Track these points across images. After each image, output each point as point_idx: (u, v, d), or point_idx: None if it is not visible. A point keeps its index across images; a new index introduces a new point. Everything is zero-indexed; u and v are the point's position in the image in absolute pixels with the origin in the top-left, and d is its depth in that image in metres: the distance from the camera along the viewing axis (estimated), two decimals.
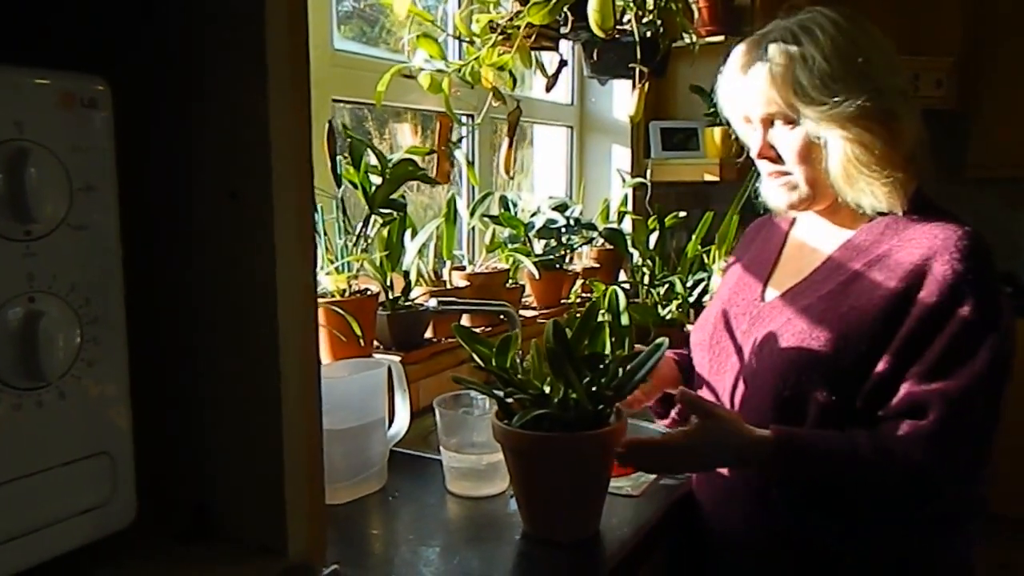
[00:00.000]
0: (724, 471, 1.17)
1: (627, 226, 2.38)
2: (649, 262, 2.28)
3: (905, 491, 1.03)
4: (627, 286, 2.38)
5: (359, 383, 1.27)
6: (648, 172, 2.62)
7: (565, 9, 1.53)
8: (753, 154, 1.19)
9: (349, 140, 1.52)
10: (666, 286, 2.18)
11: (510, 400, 1.12)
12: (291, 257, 0.51)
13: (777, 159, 1.16)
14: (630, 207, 2.55)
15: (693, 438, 1.07)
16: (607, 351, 1.12)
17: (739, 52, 1.19)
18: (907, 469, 1.00)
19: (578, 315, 2.05)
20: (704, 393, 1.25)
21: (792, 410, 1.09)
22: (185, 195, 0.52)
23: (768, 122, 1.16)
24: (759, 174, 1.23)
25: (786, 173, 1.17)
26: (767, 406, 1.11)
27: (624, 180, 2.58)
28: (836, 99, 1.08)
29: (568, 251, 2.23)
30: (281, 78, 0.49)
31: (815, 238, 1.24)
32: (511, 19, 1.49)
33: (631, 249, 2.32)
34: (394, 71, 1.54)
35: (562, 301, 2.23)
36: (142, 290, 0.51)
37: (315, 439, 0.54)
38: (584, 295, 2.34)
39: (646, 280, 2.26)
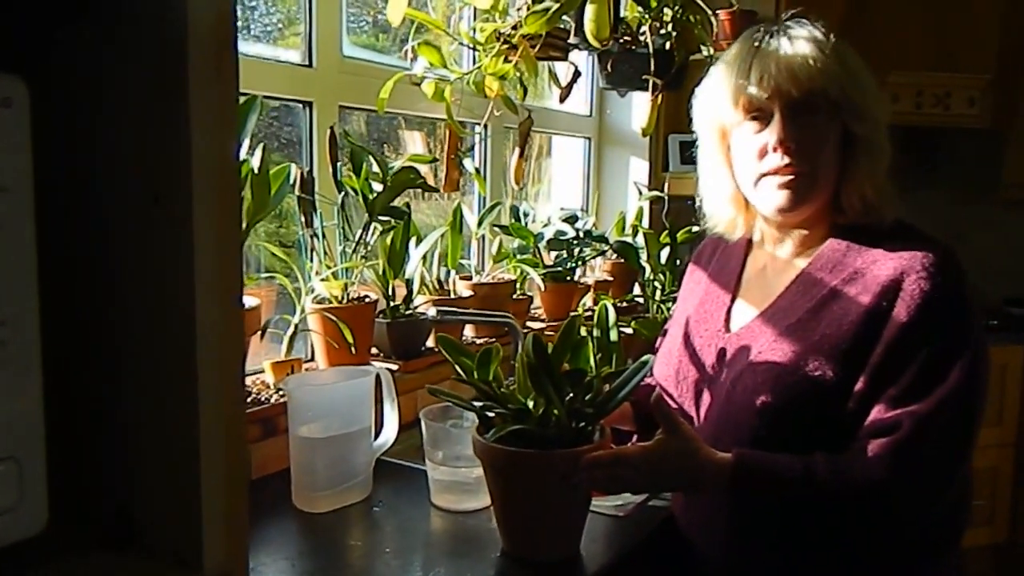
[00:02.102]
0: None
1: (641, 240, 2.35)
2: (661, 276, 2.24)
3: (863, 511, 0.99)
4: (640, 300, 2.36)
5: (345, 391, 1.26)
6: (665, 185, 2.58)
7: (568, 19, 1.51)
8: (772, 142, 1.06)
9: (351, 147, 1.51)
10: (676, 301, 2.14)
11: (491, 414, 1.11)
12: (212, 262, 0.49)
13: (793, 151, 1.05)
14: (646, 220, 2.52)
15: (651, 453, 1.02)
16: (591, 367, 1.10)
17: (765, 35, 1.09)
18: (865, 487, 0.97)
19: (584, 327, 2.03)
20: None
21: (770, 445, 1.04)
22: (105, 198, 0.51)
23: (797, 107, 1.05)
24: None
25: (796, 171, 1.06)
26: (744, 442, 1.06)
27: (641, 193, 2.55)
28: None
29: (579, 263, 2.21)
30: (203, 80, 0.48)
31: (778, 259, 1.18)
32: (514, 28, 1.47)
33: (644, 263, 2.29)
34: (396, 78, 1.53)
35: (571, 314, 2.20)
36: (58, 293, 0.50)
37: (238, 447, 0.53)
38: (593, 308, 2.31)
39: (657, 295, 2.23)
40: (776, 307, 1.13)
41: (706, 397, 1.16)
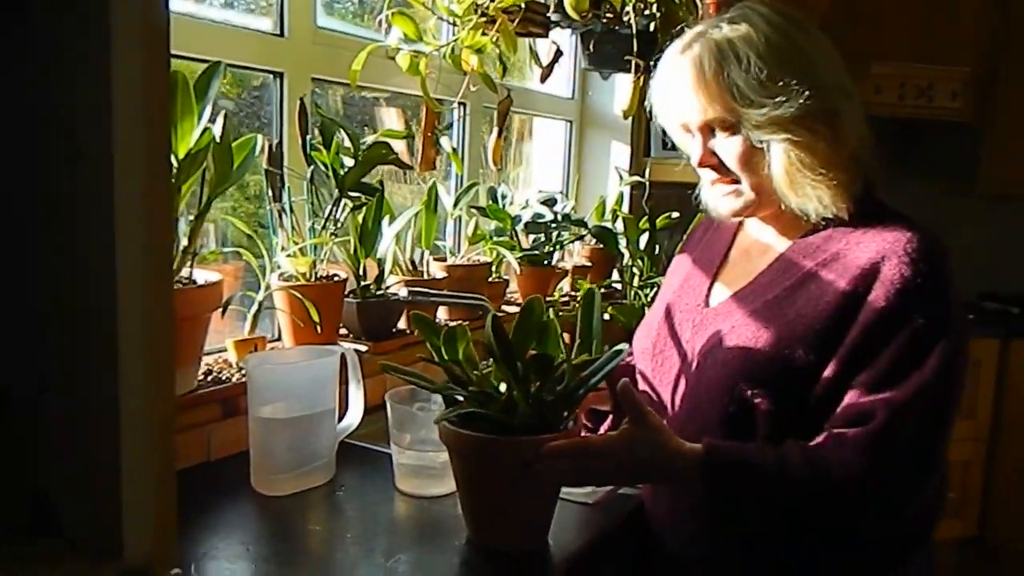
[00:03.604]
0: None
1: (620, 225, 2.32)
2: (639, 262, 2.21)
3: (838, 503, 0.96)
4: (618, 286, 2.33)
5: (307, 371, 1.22)
6: (647, 171, 2.55)
7: None
8: (694, 163, 1.11)
9: (320, 119, 1.46)
10: (655, 288, 2.11)
11: (460, 398, 1.07)
12: (136, 232, 0.45)
13: (720, 167, 1.09)
14: (626, 206, 2.49)
15: (615, 444, 0.99)
16: (560, 352, 1.06)
17: (669, 58, 1.11)
18: (841, 479, 0.94)
19: (561, 312, 1.99)
20: (650, 403, 1.18)
21: (739, 423, 1.02)
22: (27, 153, 0.47)
23: (707, 129, 1.08)
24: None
25: (731, 181, 1.10)
26: (713, 419, 1.04)
27: (622, 178, 2.51)
28: (776, 100, 1.02)
29: (557, 247, 2.17)
30: (128, 38, 0.43)
31: (763, 240, 1.17)
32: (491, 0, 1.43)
33: (622, 249, 2.26)
34: (370, 49, 1.48)
35: (547, 298, 2.17)
36: None
37: (164, 434, 0.48)
38: (571, 293, 2.28)
39: (635, 281, 2.20)
40: (754, 285, 1.11)
41: (680, 371, 1.13)
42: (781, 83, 1.02)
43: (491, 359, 1.04)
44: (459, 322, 1.86)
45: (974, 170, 3.14)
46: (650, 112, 1.17)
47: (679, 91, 1.08)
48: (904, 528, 1.02)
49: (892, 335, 0.96)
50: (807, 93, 1.02)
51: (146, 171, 0.46)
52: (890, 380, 0.95)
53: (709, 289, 1.19)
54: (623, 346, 1.06)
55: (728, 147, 1.07)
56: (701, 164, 1.10)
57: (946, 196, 3.15)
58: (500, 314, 1.97)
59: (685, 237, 1.41)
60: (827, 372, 0.98)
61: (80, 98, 0.45)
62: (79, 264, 0.46)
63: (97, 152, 0.44)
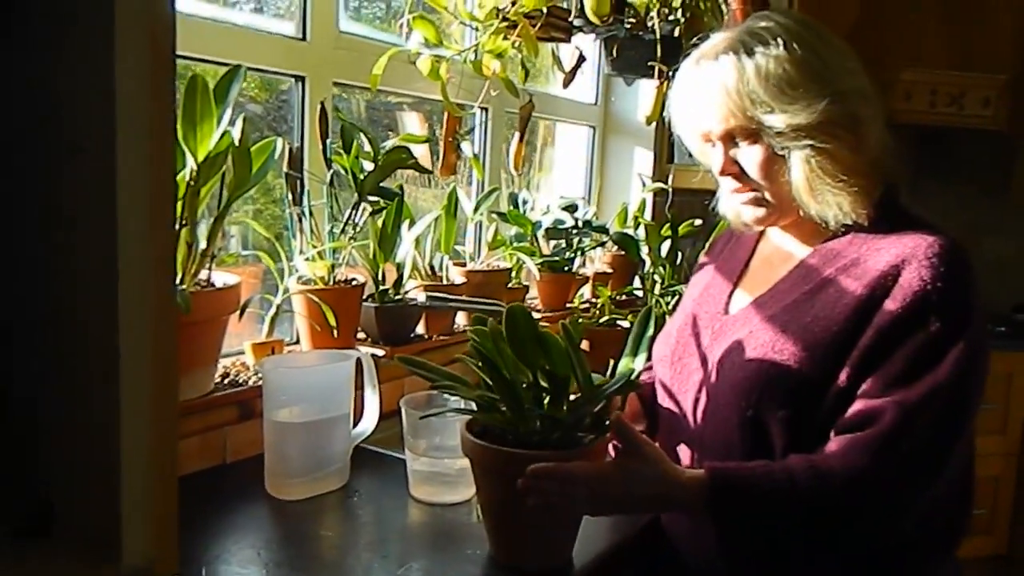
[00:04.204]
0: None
1: (642, 232, 2.30)
2: (660, 270, 2.19)
3: (844, 506, 0.93)
4: (639, 293, 2.30)
5: (323, 375, 1.21)
6: (670, 178, 2.53)
7: None
8: (715, 172, 1.11)
9: (341, 123, 1.46)
10: (676, 296, 2.08)
11: (471, 404, 1.05)
12: (139, 231, 0.44)
13: (741, 175, 1.08)
14: (649, 213, 2.46)
15: (602, 476, 0.96)
16: (570, 369, 1.03)
17: (688, 68, 1.10)
18: (846, 482, 0.91)
19: (580, 319, 1.97)
20: (668, 411, 1.16)
21: (757, 429, 1.00)
22: (27, 153, 0.46)
23: (729, 138, 1.07)
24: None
25: (752, 189, 1.09)
26: (732, 426, 1.02)
27: (644, 184, 2.49)
28: (796, 106, 1.01)
29: (578, 253, 2.16)
30: (132, 38, 0.43)
31: (784, 247, 1.16)
32: (512, 3, 1.42)
33: (643, 256, 2.24)
34: (391, 53, 1.48)
35: (567, 305, 2.15)
36: None
37: (166, 436, 0.48)
38: (591, 300, 2.26)
39: (656, 289, 2.17)
40: (774, 291, 1.10)
41: (698, 377, 1.12)
42: (802, 90, 1.01)
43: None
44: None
45: (1008, 179, 3.07)
46: (669, 122, 1.16)
47: (699, 100, 1.08)
48: (927, 537, 0.99)
49: (906, 338, 0.94)
50: (828, 99, 1.00)
51: (149, 169, 0.45)
52: (901, 381, 0.93)
53: (729, 297, 1.17)
54: (635, 368, 1.05)
55: (749, 155, 1.06)
56: (723, 173, 1.09)
57: (979, 206, 3.09)
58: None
59: (708, 246, 1.39)
60: (841, 376, 0.96)
61: (82, 97, 0.44)
62: (80, 265, 0.45)
63: (99, 152, 0.43)
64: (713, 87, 1.05)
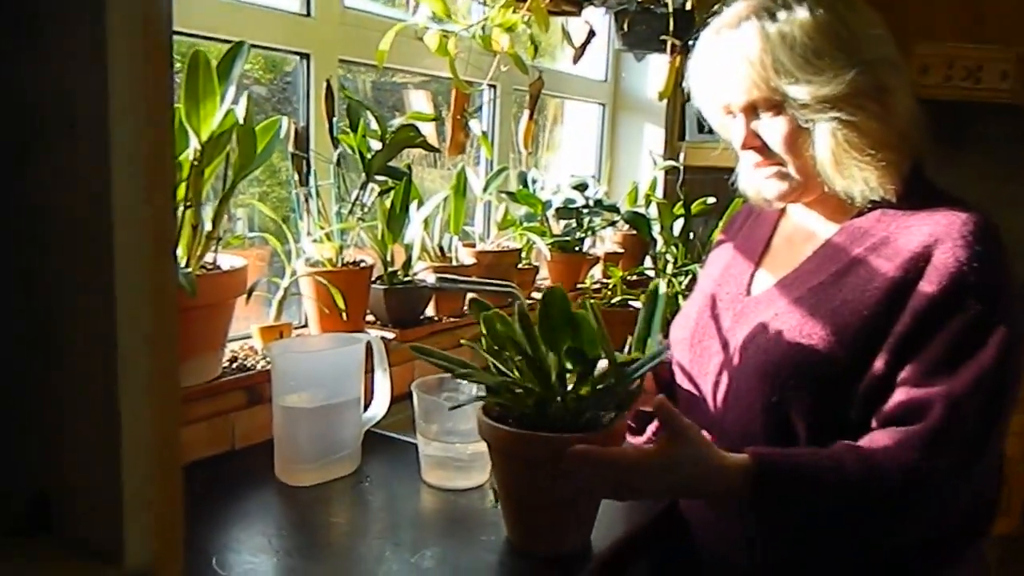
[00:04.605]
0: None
1: (653, 211, 2.26)
2: (673, 249, 2.16)
3: (896, 505, 0.90)
4: (651, 273, 2.27)
5: (332, 359, 1.19)
6: (681, 155, 2.49)
7: None
8: (736, 146, 1.06)
9: (347, 102, 1.43)
10: (688, 276, 2.05)
11: (488, 388, 1.02)
12: (133, 203, 0.41)
13: (764, 149, 1.04)
14: (660, 191, 2.43)
15: (652, 459, 0.92)
16: (596, 349, 1.00)
17: (709, 37, 1.06)
18: (900, 481, 0.88)
19: (592, 300, 1.95)
20: (687, 395, 1.13)
21: (781, 417, 0.97)
22: (17, 136, 0.43)
23: (751, 110, 1.03)
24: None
25: (775, 163, 1.04)
26: (754, 413, 0.99)
27: (655, 162, 2.45)
28: (823, 77, 0.97)
29: (588, 233, 2.12)
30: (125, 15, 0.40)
31: (808, 226, 1.11)
32: None
33: (656, 235, 2.20)
34: (398, 28, 1.44)
35: (578, 286, 2.12)
36: None
37: (169, 428, 0.45)
38: (602, 280, 2.23)
39: (668, 269, 2.14)
40: (799, 272, 1.06)
41: (720, 361, 1.08)
42: (828, 59, 0.97)
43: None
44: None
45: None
46: (687, 94, 1.12)
47: (721, 71, 1.04)
48: (957, 524, 0.96)
49: (945, 322, 0.90)
50: (855, 69, 0.96)
51: (144, 145, 0.42)
52: (945, 370, 0.89)
53: (751, 277, 1.13)
54: (664, 346, 1.02)
55: (773, 128, 1.02)
56: (744, 146, 1.05)
57: (996, 181, 3.04)
58: (530, 301, 1.94)
59: (724, 224, 1.35)
60: (877, 363, 0.93)
61: (72, 74, 0.42)
62: (72, 249, 0.43)
63: (90, 129, 0.41)
64: (735, 57, 1.00)
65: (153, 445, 0.44)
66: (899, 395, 0.91)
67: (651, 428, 1.20)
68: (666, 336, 1.20)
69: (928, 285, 0.92)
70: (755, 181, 1.09)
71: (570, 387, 0.97)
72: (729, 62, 1.02)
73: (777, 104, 1.00)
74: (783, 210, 1.18)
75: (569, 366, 0.96)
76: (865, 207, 1.02)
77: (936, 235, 0.94)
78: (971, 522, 0.97)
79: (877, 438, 0.91)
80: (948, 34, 2.81)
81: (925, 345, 0.91)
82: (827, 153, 0.99)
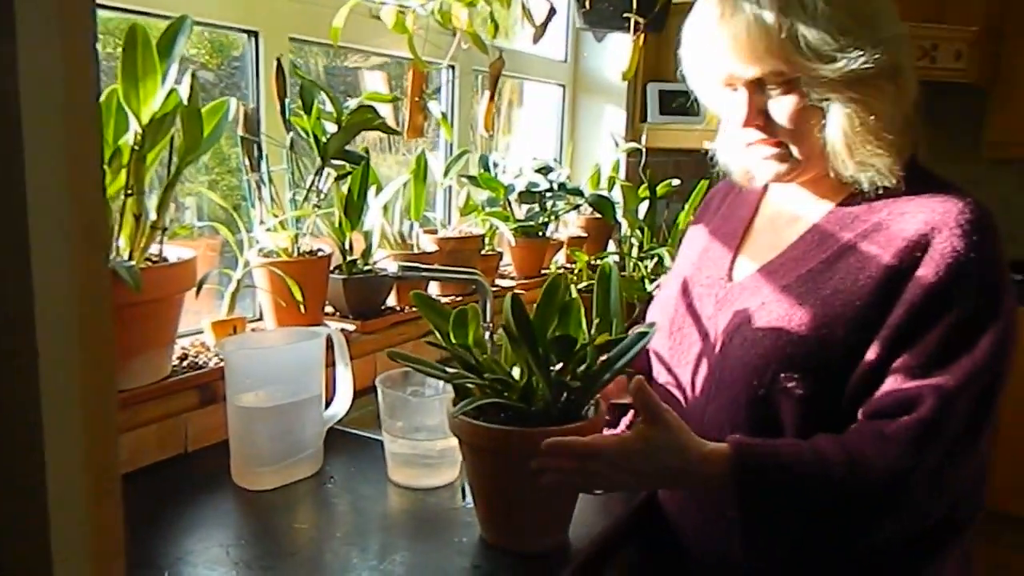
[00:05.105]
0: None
1: (617, 194, 2.22)
2: (638, 232, 2.12)
3: (880, 499, 0.87)
4: (616, 258, 2.23)
5: (290, 355, 1.12)
6: (643, 137, 2.45)
7: None
8: (735, 123, 0.97)
9: (300, 82, 1.35)
10: (655, 259, 2.02)
11: (470, 385, 0.97)
12: (57, 197, 0.35)
13: (766, 127, 0.96)
14: (622, 174, 2.39)
15: (629, 447, 0.88)
16: (583, 333, 0.96)
17: (714, 2, 0.95)
18: (884, 475, 0.85)
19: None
20: (665, 383, 1.09)
21: (767, 409, 0.93)
22: None
23: (757, 84, 0.94)
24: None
25: (776, 143, 0.97)
26: (739, 404, 0.95)
27: (617, 144, 2.41)
28: (846, 55, 0.90)
29: (552, 218, 2.07)
30: None
31: (793, 207, 1.06)
32: None
33: (620, 218, 2.16)
34: (352, 4, 1.37)
35: (543, 271, 2.07)
36: None
37: (104, 437, 0.39)
38: (567, 266, 2.19)
39: (634, 252, 2.11)
40: (785, 257, 1.01)
41: (701, 349, 1.03)
42: (852, 36, 0.90)
43: (502, 342, 0.95)
44: (452, 298, 1.77)
45: (978, 133, 3.05)
46: (677, 62, 1.03)
47: (729, 38, 0.93)
48: (941, 519, 0.94)
49: (942, 314, 0.87)
50: (879, 47, 0.90)
51: (64, 121, 0.36)
52: (938, 363, 0.86)
53: (732, 261, 1.08)
54: (648, 327, 0.98)
55: (781, 105, 0.94)
56: (747, 124, 0.96)
57: (950, 161, 3.06)
58: (495, 288, 1.88)
59: (698, 204, 1.29)
60: (869, 355, 0.89)
61: None
62: None
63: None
64: (748, 26, 0.91)
65: (86, 455, 0.38)
66: (889, 387, 0.88)
67: (626, 419, 1.15)
68: (642, 319, 1.15)
69: (924, 276, 0.88)
70: (747, 160, 1.02)
71: (554, 376, 0.92)
72: (740, 29, 0.92)
73: (789, 80, 0.93)
74: (764, 188, 1.12)
75: (553, 355, 0.91)
76: (872, 192, 0.96)
77: (932, 223, 0.90)
78: (955, 517, 0.94)
79: (864, 430, 0.88)
80: (905, 13, 2.82)
81: (919, 337, 0.87)
82: (840, 136, 0.93)
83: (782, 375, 0.92)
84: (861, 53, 0.90)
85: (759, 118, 0.96)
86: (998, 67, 2.94)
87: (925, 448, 0.85)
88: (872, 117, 0.92)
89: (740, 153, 1.03)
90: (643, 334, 0.96)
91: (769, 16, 0.90)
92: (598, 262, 2.15)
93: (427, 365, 0.99)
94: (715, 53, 0.96)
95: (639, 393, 0.88)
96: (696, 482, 0.91)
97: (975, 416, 0.87)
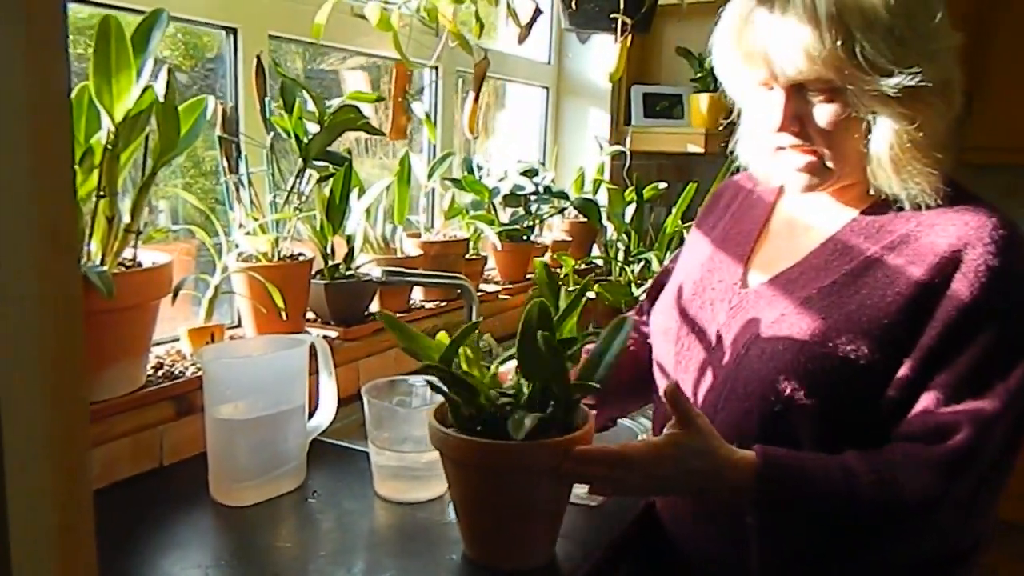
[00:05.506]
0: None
1: (602, 197, 2.19)
2: (624, 236, 2.10)
3: (907, 523, 0.84)
4: (600, 262, 2.20)
5: (272, 364, 1.07)
6: (628, 140, 2.42)
7: None
8: (769, 127, 0.92)
9: (281, 80, 1.30)
10: (641, 263, 2.00)
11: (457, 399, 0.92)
12: (23, 205, 0.31)
13: (801, 133, 0.91)
14: (607, 177, 2.36)
15: (661, 453, 0.86)
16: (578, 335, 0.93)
17: None
18: (915, 498, 0.82)
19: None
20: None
21: (782, 426, 0.90)
22: None
23: (797, 88, 0.89)
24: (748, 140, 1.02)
25: (810, 151, 0.92)
26: (751, 419, 0.92)
27: (602, 147, 2.39)
28: (903, 70, 0.84)
29: (536, 221, 2.04)
30: None
31: (812, 212, 1.02)
32: None
33: (605, 222, 2.13)
34: (335, 1, 1.32)
35: (527, 276, 2.04)
36: None
37: (73, 455, 0.35)
38: (553, 271, 2.15)
39: (620, 256, 2.08)
40: (807, 265, 0.97)
41: (711, 358, 1.00)
42: (911, 48, 0.85)
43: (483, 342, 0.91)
44: (437, 303, 1.73)
45: (960, 138, 3.05)
46: (709, 51, 0.97)
47: (775, 35, 0.87)
48: (953, 547, 0.91)
49: (976, 334, 0.83)
50: (937, 60, 0.86)
51: (28, 116, 0.32)
52: (974, 386, 0.83)
53: (746, 266, 1.04)
54: (628, 316, 0.93)
55: (822, 113, 0.89)
56: (781, 129, 0.91)
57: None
58: (480, 293, 1.84)
59: (706, 204, 1.23)
60: (900, 373, 0.85)
61: None
62: None
63: None
64: (799, 23, 0.85)
65: (54, 474, 0.34)
66: (922, 408, 0.85)
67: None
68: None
69: (958, 293, 0.84)
70: (776, 167, 0.97)
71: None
72: (789, 27, 0.86)
73: (835, 88, 0.88)
74: (781, 188, 1.07)
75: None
76: (880, 199, 0.93)
77: (965, 238, 0.86)
78: (978, 537, 0.92)
79: (896, 452, 0.85)
80: None
81: (954, 357, 0.84)
82: (887, 152, 0.88)
83: (800, 391, 0.88)
84: (919, 69, 0.85)
85: (795, 124, 0.91)
86: (982, 74, 2.94)
87: (959, 477, 0.82)
88: (921, 134, 0.87)
89: (767, 156, 0.97)
90: (621, 322, 0.92)
91: (828, 23, 0.84)
92: (581, 266, 2.12)
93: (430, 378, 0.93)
94: (759, 49, 0.90)
95: (673, 394, 0.86)
96: (722, 488, 0.87)
97: (1011, 443, 0.85)
